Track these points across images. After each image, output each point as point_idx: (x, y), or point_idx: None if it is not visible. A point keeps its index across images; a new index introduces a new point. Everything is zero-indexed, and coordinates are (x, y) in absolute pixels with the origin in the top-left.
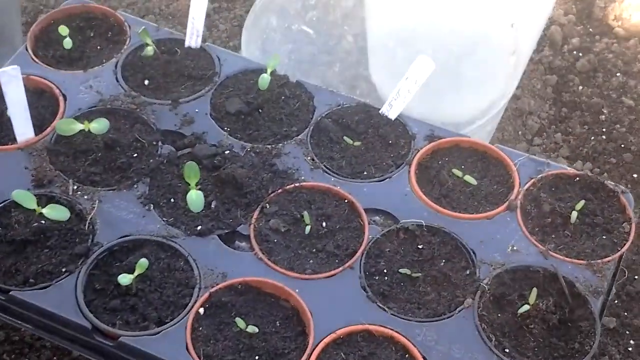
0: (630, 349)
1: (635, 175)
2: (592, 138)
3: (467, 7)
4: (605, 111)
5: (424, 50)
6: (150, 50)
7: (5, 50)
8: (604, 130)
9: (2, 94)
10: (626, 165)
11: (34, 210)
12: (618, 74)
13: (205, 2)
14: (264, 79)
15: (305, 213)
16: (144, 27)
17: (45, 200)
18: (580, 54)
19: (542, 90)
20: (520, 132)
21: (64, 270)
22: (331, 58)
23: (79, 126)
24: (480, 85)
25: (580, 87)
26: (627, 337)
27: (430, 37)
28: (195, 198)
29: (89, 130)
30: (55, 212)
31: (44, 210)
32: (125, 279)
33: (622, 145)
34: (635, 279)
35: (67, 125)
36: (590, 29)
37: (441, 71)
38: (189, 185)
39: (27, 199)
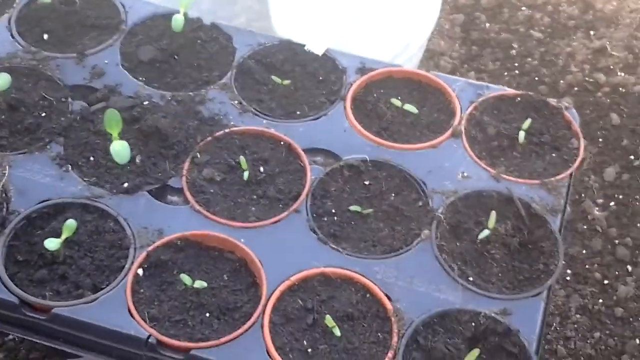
0: (568, 278)
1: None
2: (506, 74)
3: None
4: (515, 46)
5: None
6: None
7: None
8: (516, 65)
9: None
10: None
11: None
12: (523, 8)
13: None
14: (178, 21)
15: (242, 158)
16: None
17: None
18: None
19: (450, 30)
20: None
21: None
22: (236, 9)
23: None
24: (399, 18)
25: (488, 24)
26: (564, 267)
27: None
28: (120, 148)
29: (6, 92)
30: None
31: None
32: (52, 243)
33: (536, 78)
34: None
35: None
36: None
37: (359, 6)
38: (111, 135)
39: None
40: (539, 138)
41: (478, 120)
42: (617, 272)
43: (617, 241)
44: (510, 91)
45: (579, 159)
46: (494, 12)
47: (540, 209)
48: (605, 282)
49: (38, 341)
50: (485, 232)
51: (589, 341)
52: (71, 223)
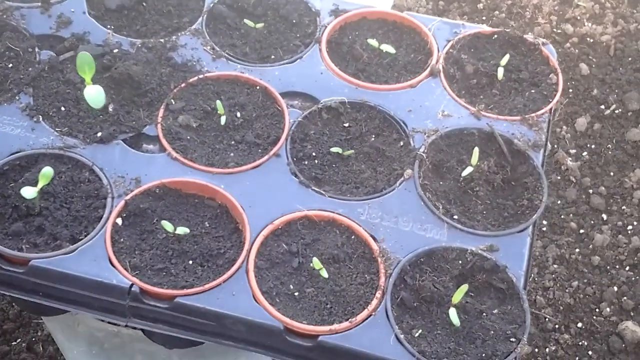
0: (544, 229)
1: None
2: None
3: None
4: None
5: None
6: None
7: None
8: (484, 18)
9: None
10: None
11: None
12: None
13: None
14: None
15: (218, 102)
16: None
17: None
18: None
19: None
20: None
21: None
22: None
23: None
24: None
25: None
26: (539, 218)
27: None
28: (94, 93)
29: None
30: None
31: None
32: (28, 191)
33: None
34: None
35: None
36: None
37: None
38: (83, 83)
39: None
40: (518, 75)
41: (456, 59)
42: (592, 222)
43: (591, 190)
44: (486, 29)
45: (558, 94)
46: None
47: (522, 145)
48: (581, 231)
49: (16, 296)
50: (469, 170)
51: (567, 290)
52: (47, 171)
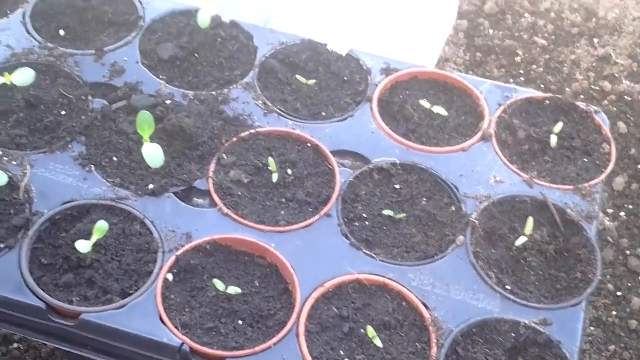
0: None
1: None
2: (511, 80)
3: None
4: (519, 52)
5: None
6: None
7: None
8: (521, 72)
9: None
10: None
11: None
12: (526, 15)
13: None
14: (203, 18)
15: (270, 159)
16: None
17: None
18: None
19: (454, 36)
20: None
21: (2, 245)
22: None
23: None
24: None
25: (491, 31)
26: None
27: None
28: (154, 152)
29: (11, 84)
30: None
31: None
32: (82, 245)
33: (542, 86)
34: None
35: None
36: None
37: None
38: (135, 135)
39: None
40: (570, 142)
41: (507, 124)
42: (629, 284)
43: (628, 252)
44: (538, 94)
45: (611, 164)
46: (497, 19)
47: (575, 216)
48: (618, 293)
49: (65, 349)
50: (522, 239)
51: (604, 354)
52: (102, 225)
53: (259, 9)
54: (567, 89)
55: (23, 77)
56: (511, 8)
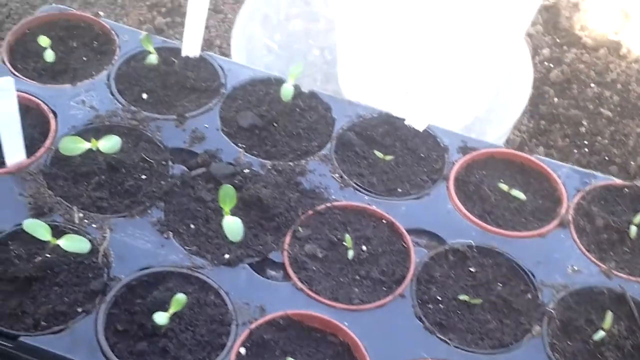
0: None
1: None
2: (575, 151)
3: (444, 21)
4: (584, 123)
5: (406, 63)
6: (153, 58)
7: None
8: (585, 142)
9: None
10: None
11: (48, 241)
12: (592, 85)
13: (205, 6)
14: (287, 90)
15: (347, 236)
16: (146, 33)
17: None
18: (552, 65)
19: None
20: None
21: (79, 310)
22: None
23: (85, 145)
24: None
25: (556, 99)
26: None
27: (413, 47)
28: (234, 225)
29: (97, 150)
30: (74, 244)
31: (61, 242)
32: (161, 318)
33: (607, 158)
34: None
35: (72, 144)
36: (558, 40)
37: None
38: (223, 210)
39: (39, 229)
40: None
41: (586, 211)
42: None
43: None
44: (618, 181)
45: None
46: (562, 88)
47: None
48: None
49: None
50: (601, 334)
51: None
52: (181, 297)
53: (325, 78)
54: (632, 162)
55: (110, 144)
56: (577, 77)
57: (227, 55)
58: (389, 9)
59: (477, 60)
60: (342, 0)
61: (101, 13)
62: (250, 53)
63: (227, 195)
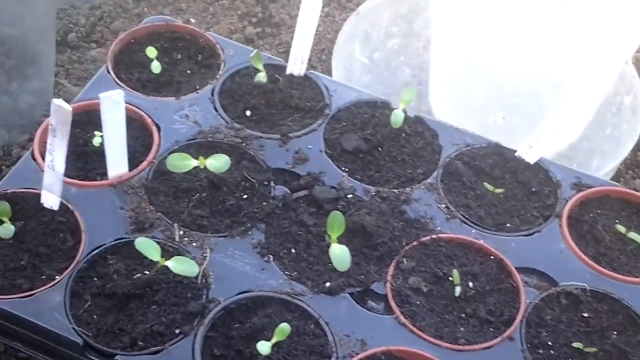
0: None
1: None
2: None
3: (555, 40)
4: None
5: (505, 86)
6: (262, 76)
7: (31, 71)
8: None
9: (89, 120)
10: None
11: (157, 262)
12: None
13: (314, 26)
14: (398, 117)
15: (455, 272)
16: (256, 51)
17: None
18: None
19: None
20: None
21: (177, 331)
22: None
23: (192, 162)
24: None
25: None
26: None
27: (512, 71)
28: (341, 254)
29: (204, 168)
30: (183, 266)
31: (169, 263)
32: (264, 347)
33: None
34: None
35: (179, 161)
36: None
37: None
38: (330, 237)
39: (150, 249)
40: None
41: None
42: None
43: None
44: None
45: None
46: None
47: None
48: None
49: None
50: None
51: None
52: (285, 327)
53: (417, 96)
54: None
55: (218, 163)
56: None
57: (315, 68)
58: (489, 29)
59: (582, 88)
60: (440, 19)
61: (192, 20)
62: (348, 71)
63: (336, 222)
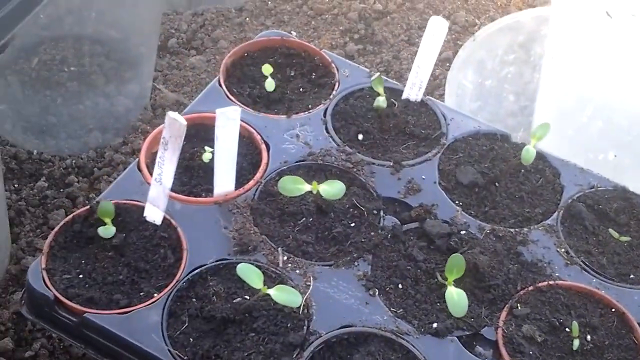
0: None
1: None
2: None
3: None
4: None
5: (619, 123)
6: (382, 101)
7: (130, 74)
8: None
9: (196, 133)
10: None
11: (259, 289)
12: None
13: (437, 51)
14: (529, 154)
15: (574, 324)
16: (378, 73)
17: None
18: None
19: None
20: None
21: None
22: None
23: (305, 187)
24: None
25: None
26: None
27: (629, 108)
28: (459, 300)
29: (317, 193)
30: (286, 296)
31: (271, 292)
32: None
33: None
34: None
35: (292, 184)
36: None
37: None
38: (446, 279)
39: (252, 276)
40: None
41: None
42: None
43: None
44: None
45: None
46: None
47: None
48: None
49: None
50: None
51: None
52: None
53: (518, 124)
54: None
55: (333, 190)
56: None
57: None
58: (607, 63)
59: None
60: (554, 49)
61: (294, 33)
62: (459, 97)
63: (456, 266)
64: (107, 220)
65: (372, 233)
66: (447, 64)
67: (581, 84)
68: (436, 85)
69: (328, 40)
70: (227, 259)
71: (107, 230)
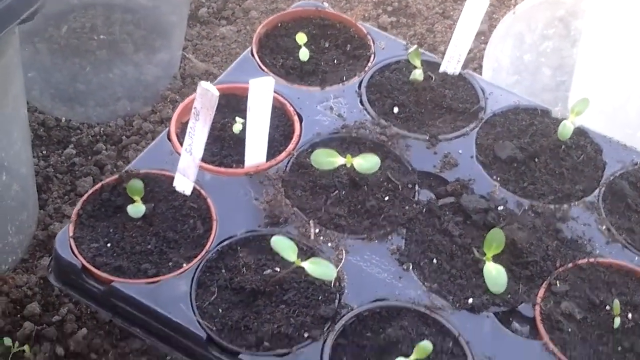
0: None
1: None
2: None
3: None
4: None
5: None
6: (419, 74)
7: (160, 43)
8: None
9: (227, 104)
10: None
11: (293, 262)
12: None
13: (477, 24)
14: (567, 129)
15: (616, 302)
16: (415, 46)
17: None
18: None
19: None
20: None
21: (306, 335)
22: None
23: (339, 160)
24: None
25: None
26: None
27: None
28: (498, 276)
29: (351, 167)
30: (321, 269)
31: (305, 265)
32: None
33: None
34: None
35: (325, 158)
36: None
37: None
38: (484, 256)
39: (287, 250)
40: None
41: None
42: None
43: None
44: None
45: None
46: None
47: None
48: None
49: None
50: None
51: None
52: (426, 346)
53: (554, 100)
54: None
55: (367, 164)
56: None
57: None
58: None
59: None
60: (595, 25)
61: (326, 4)
62: (496, 71)
63: (495, 240)
64: (137, 197)
65: (407, 207)
66: (482, 37)
67: (620, 60)
68: (469, 58)
69: (360, 12)
70: (257, 231)
71: (137, 209)
